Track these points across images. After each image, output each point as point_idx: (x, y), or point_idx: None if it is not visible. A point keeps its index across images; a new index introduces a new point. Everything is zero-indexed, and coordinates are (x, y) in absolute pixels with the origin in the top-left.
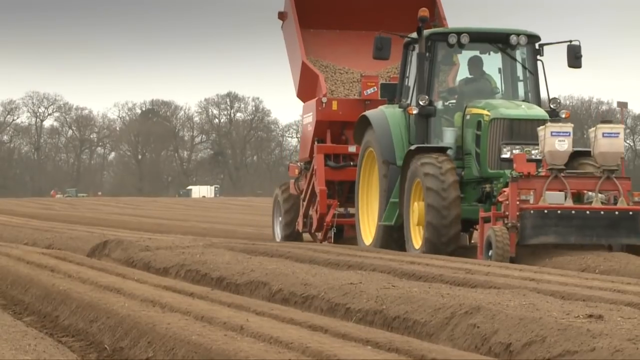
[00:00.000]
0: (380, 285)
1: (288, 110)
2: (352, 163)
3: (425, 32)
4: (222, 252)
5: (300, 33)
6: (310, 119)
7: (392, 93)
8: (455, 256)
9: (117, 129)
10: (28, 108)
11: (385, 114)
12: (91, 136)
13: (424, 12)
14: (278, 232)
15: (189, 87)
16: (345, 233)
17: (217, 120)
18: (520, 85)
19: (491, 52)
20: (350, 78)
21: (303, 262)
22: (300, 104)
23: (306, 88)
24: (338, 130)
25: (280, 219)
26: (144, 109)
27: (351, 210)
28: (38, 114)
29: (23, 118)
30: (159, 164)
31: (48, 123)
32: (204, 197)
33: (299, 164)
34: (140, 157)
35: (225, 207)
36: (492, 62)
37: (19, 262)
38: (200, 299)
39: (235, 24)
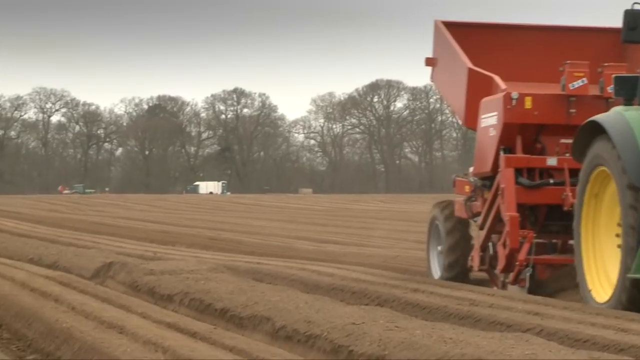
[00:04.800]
0: (384, 326)
1: (294, 106)
2: (551, 181)
3: None
4: (226, 279)
5: (457, 44)
6: (492, 121)
7: (631, 90)
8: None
9: (124, 124)
10: (35, 104)
11: (627, 120)
12: (98, 132)
13: None
14: (436, 267)
15: (195, 82)
16: (539, 275)
17: (223, 116)
18: None
19: None
20: None
21: (307, 289)
22: (304, 101)
23: (477, 103)
24: (532, 135)
25: (439, 249)
26: (150, 104)
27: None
28: (45, 110)
29: (30, 114)
30: (166, 160)
31: (55, 119)
32: (211, 193)
33: (471, 179)
34: (147, 152)
35: (232, 207)
36: None
37: (23, 289)
38: (202, 341)
39: (241, 20)
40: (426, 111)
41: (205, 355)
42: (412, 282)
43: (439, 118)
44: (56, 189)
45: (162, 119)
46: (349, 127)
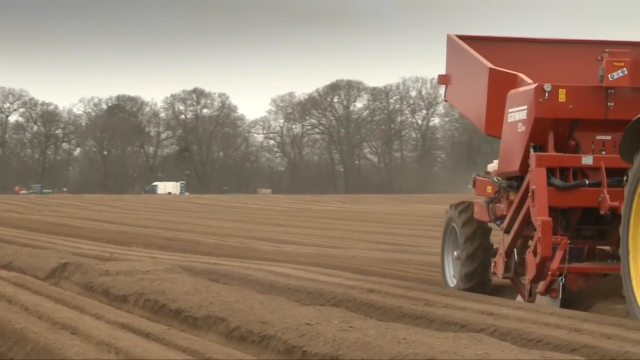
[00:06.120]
0: (338, 327)
1: (254, 106)
2: (586, 182)
3: None
4: (182, 279)
5: (472, 49)
6: (521, 115)
7: None
8: None
9: (83, 124)
10: None
11: None
12: (56, 132)
13: None
14: (451, 275)
15: (155, 82)
16: (571, 285)
17: (183, 116)
18: None
19: None
20: None
21: (263, 289)
22: (264, 102)
23: (500, 106)
24: (565, 131)
25: (455, 254)
26: (109, 104)
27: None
28: (3, 110)
29: None
30: (124, 160)
31: (13, 118)
32: (169, 193)
33: (495, 178)
34: (105, 152)
35: (190, 207)
36: None
37: None
38: (155, 342)
39: (201, 19)
40: (386, 112)
41: (158, 356)
42: (368, 282)
43: (399, 118)
44: (13, 189)
45: (121, 119)
46: (309, 127)
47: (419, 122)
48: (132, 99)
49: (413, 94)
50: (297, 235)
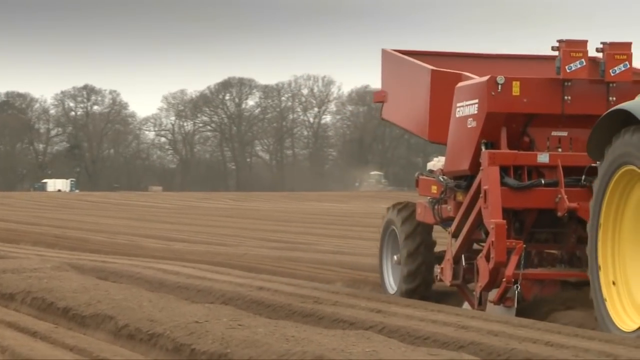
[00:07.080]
0: (227, 325)
1: (146, 103)
2: (542, 181)
3: None
4: (70, 277)
5: (410, 58)
6: (472, 110)
7: None
8: None
9: None
10: None
11: None
12: None
13: None
14: (391, 280)
15: (45, 79)
16: (526, 293)
17: (73, 112)
18: None
19: None
20: None
21: (152, 287)
22: (155, 99)
23: (444, 110)
24: (519, 127)
25: (395, 258)
26: None
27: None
28: None
29: None
30: (13, 157)
31: None
32: (59, 190)
33: (441, 178)
34: None
35: (79, 205)
36: None
37: None
38: (42, 340)
39: (91, 16)
40: (278, 109)
41: (44, 355)
42: (257, 280)
43: (290, 116)
44: None
45: (10, 115)
46: (201, 125)
47: (311, 120)
48: (22, 96)
49: (305, 91)
50: (186, 232)
